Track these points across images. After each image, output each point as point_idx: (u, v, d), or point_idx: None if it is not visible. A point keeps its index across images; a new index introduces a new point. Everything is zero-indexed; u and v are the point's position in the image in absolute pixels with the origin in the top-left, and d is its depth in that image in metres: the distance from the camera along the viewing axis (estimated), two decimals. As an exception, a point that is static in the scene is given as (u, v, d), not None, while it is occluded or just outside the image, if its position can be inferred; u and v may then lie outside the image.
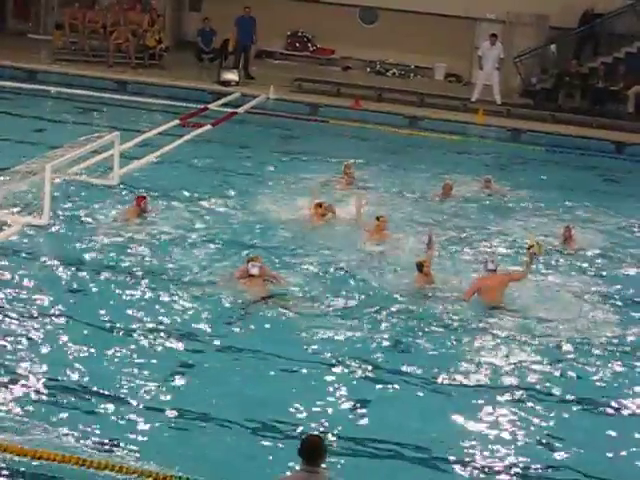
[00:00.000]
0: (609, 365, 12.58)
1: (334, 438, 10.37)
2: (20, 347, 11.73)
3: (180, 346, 12.16)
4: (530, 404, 11.51)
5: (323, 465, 7.78)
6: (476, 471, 10.11)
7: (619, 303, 14.57)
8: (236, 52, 27.75)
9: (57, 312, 12.74)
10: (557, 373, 12.29)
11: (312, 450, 7.65)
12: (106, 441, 9.96)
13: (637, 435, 11.06)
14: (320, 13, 29.53)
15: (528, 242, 14.51)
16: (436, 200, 18.61)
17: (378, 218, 16.15)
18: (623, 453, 10.66)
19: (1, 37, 29.46)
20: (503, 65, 26.76)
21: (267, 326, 12.91)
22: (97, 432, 10.10)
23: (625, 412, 11.54)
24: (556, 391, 11.84)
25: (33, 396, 10.70)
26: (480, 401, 11.47)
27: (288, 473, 8.39)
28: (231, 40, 27.86)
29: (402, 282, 14.43)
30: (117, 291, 13.54)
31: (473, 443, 10.59)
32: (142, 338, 12.24)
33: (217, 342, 12.36)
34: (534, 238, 14.69)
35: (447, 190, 18.75)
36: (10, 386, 10.84)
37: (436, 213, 17.93)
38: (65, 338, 12.04)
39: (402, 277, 14.62)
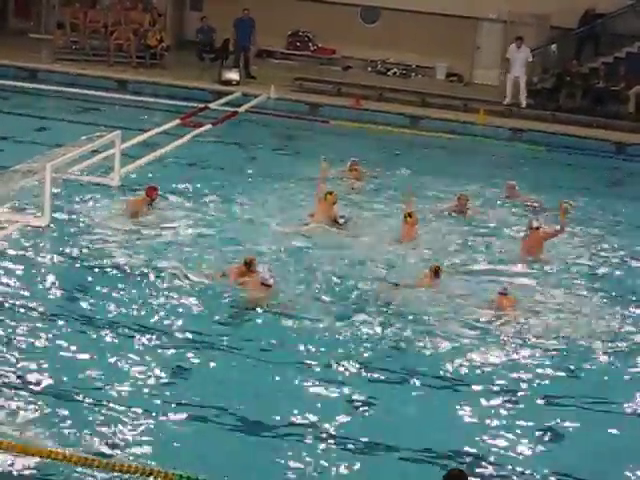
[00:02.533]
0: (609, 366, 12.62)
1: (333, 439, 10.41)
2: (20, 347, 11.74)
3: (181, 346, 12.17)
4: (530, 405, 11.53)
5: None
6: (476, 472, 10.14)
7: (618, 302, 14.56)
8: (235, 53, 27.77)
9: (57, 312, 12.76)
10: (559, 373, 12.32)
11: None
12: (106, 440, 9.98)
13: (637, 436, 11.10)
14: (321, 12, 29.49)
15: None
16: (451, 214, 17.88)
17: (410, 215, 16.12)
18: (624, 454, 10.70)
19: (2, 36, 29.44)
20: (528, 68, 26.59)
21: (267, 327, 12.93)
22: (97, 431, 10.12)
23: (625, 413, 11.58)
24: (558, 392, 11.87)
25: (32, 395, 10.70)
26: (480, 402, 11.50)
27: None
28: (231, 40, 27.88)
29: (406, 282, 14.51)
30: (117, 291, 13.53)
31: (473, 444, 10.61)
32: (142, 338, 12.25)
33: (217, 343, 12.37)
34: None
35: (462, 203, 17.95)
36: (10, 386, 10.85)
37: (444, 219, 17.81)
38: (65, 338, 12.05)
39: (407, 278, 14.71)
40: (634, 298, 14.81)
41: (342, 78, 28.41)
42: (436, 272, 14.31)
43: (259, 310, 13.24)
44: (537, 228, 15.92)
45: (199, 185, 18.30)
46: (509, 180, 19.37)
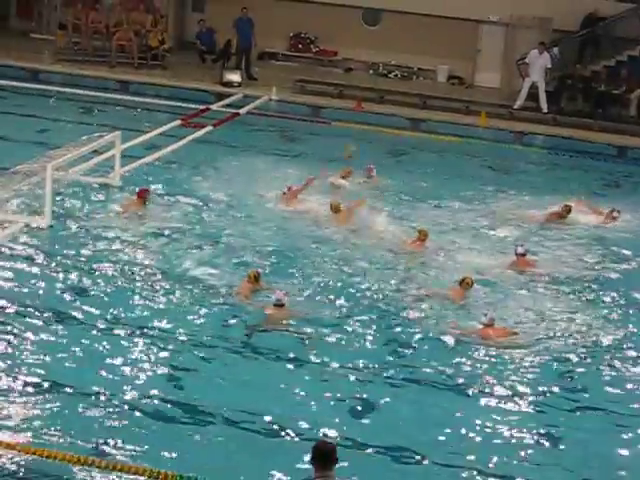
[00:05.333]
0: (609, 368, 12.63)
1: (334, 440, 10.40)
2: (20, 347, 11.74)
3: (181, 347, 12.17)
4: (530, 406, 11.54)
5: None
6: (476, 473, 10.14)
7: (619, 306, 14.54)
8: (237, 54, 27.78)
9: (57, 312, 12.75)
10: (559, 376, 12.32)
11: (325, 455, 7.65)
12: (105, 440, 9.98)
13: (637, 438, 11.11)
14: (323, 14, 29.51)
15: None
16: (551, 221, 17.94)
17: (420, 232, 16.03)
18: (623, 457, 10.73)
19: (4, 36, 29.44)
20: (548, 74, 26.55)
21: (267, 328, 12.93)
22: (97, 431, 10.12)
23: (625, 416, 11.57)
24: (558, 394, 11.87)
25: (33, 395, 10.70)
26: (480, 403, 11.52)
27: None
28: (233, 41, 27.87)
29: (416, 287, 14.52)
30: (117, 292, 13.54)
31: (473, 445, 10.61)
32: (143, 339, 12.24)
33: (217, 344, 12.35)
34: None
35: (564, 212, 17.93)
36: (9, 385, 10.85)
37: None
38: (66, 338, 12.05)
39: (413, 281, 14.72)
40: (634, 301, 14.79)
41: (343, 80, 28.40)
42: (461, 284, 14.23)
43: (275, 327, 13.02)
44: (522, 254, 15.57)
45: (199, 186, 18.30)
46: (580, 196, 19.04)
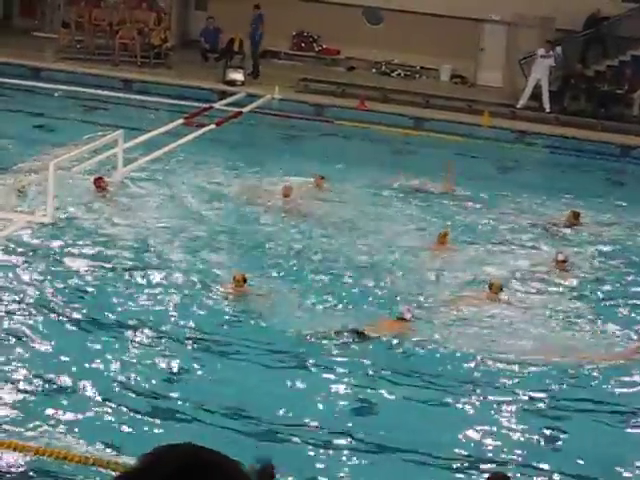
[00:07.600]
0: (609, 370, 12.62)
1: (335, 439, 10.41)
2: (21, 344, 11.75)
3: (181, 346, 12.17)
4: (531, 408, 11.53)
5: None
6: (477, 473, 10.14)
7: (622, 307, 14.55)
8: (252, 50, 27.85)
9: (59, 310, 12.77)
10: (561, 377, 12.31)
11: None
12: (105, 439, 9.99)
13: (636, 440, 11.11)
14: (326, 13, 29.48)
15: None
16: (564, 226, 17.79)
17: (444, 234, 16.07)
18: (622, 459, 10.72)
19: (7, 35, 29.44)
20: (553, 73, 26.53)
21: (274, 328, 12.93)
22: (96, 430, 10.13)
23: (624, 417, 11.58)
24: (558, 395, 11.88)
25: (33, 394, 10.71)
26: (481, 404, 11.51)
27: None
28: (236, 40, 27.88)
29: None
30: (119, 289, 13.55)
31: (474, 445, 10.61)
32: (144, 337, 12.25)
33: (219, 344, 12.37)
34: None
35: (573, 218, 17.87)
36: (10, 384, 10.85)
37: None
38: (66, 336, 12.07)
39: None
40: (637, 302, 14.80)
41: (346, 79, 28.37)
42: (490, 287, 14.21)
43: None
44: (563, 261, 15.63)
45: (201, 185, 18.30)
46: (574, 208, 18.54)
